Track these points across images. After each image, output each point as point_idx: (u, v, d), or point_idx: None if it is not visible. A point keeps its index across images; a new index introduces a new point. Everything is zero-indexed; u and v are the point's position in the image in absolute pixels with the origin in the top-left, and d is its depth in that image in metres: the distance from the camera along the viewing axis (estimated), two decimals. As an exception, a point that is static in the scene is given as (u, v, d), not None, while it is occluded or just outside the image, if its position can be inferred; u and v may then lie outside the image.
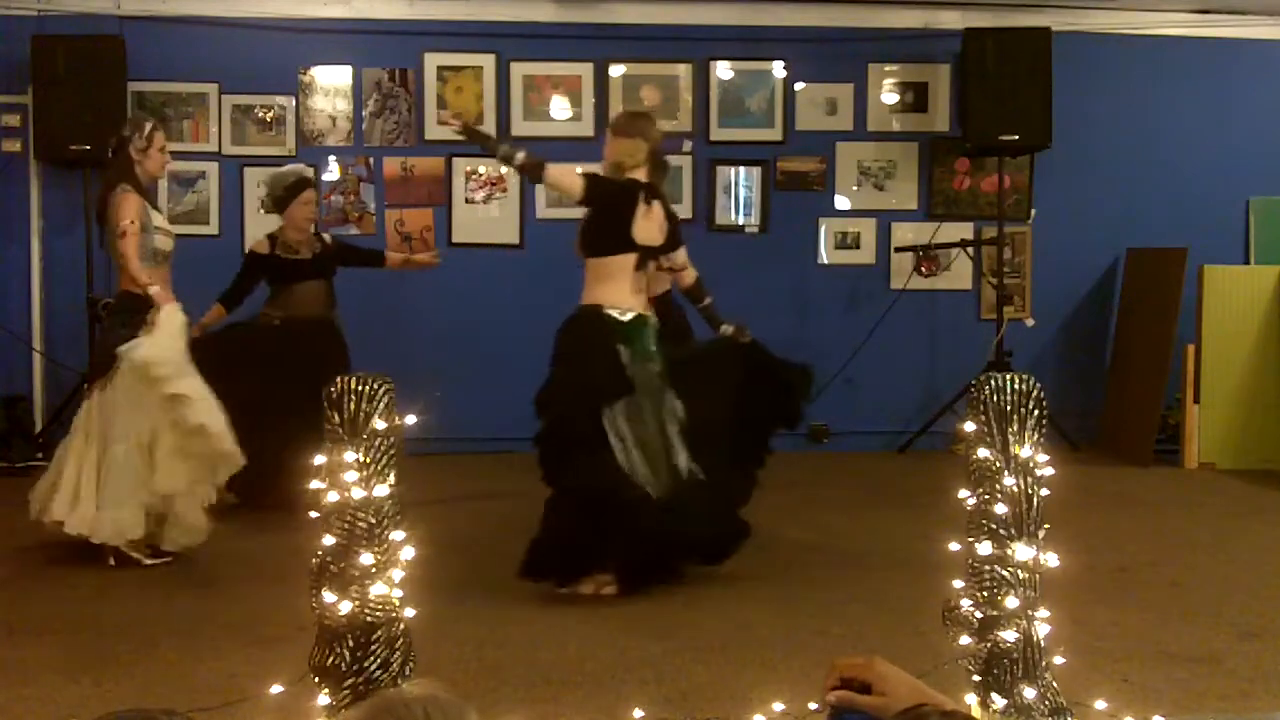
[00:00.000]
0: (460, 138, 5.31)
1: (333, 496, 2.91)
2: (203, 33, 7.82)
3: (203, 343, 5.83)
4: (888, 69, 8.32)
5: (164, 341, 5.14)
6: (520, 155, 4.84)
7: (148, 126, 5.49)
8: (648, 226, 4.83)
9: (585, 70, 8.13)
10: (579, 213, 5.09)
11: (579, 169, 5.01)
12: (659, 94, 8.20)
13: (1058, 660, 3.01)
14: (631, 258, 4.80)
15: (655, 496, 4.65)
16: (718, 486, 4.82)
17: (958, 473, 3.08)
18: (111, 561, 5.04)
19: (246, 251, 6.63)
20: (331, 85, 8.00)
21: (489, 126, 8.04)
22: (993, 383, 2.99)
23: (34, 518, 5.17)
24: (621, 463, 4.62)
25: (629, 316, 4.80)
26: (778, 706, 3.17)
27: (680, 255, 5.16)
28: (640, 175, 4.87)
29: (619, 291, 4.80)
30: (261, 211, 7.88)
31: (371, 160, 8.04)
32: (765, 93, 8.26)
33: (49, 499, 5.12)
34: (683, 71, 8.21)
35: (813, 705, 1.64)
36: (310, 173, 7.19)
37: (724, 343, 5.16)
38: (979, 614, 2.94)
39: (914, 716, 1.49)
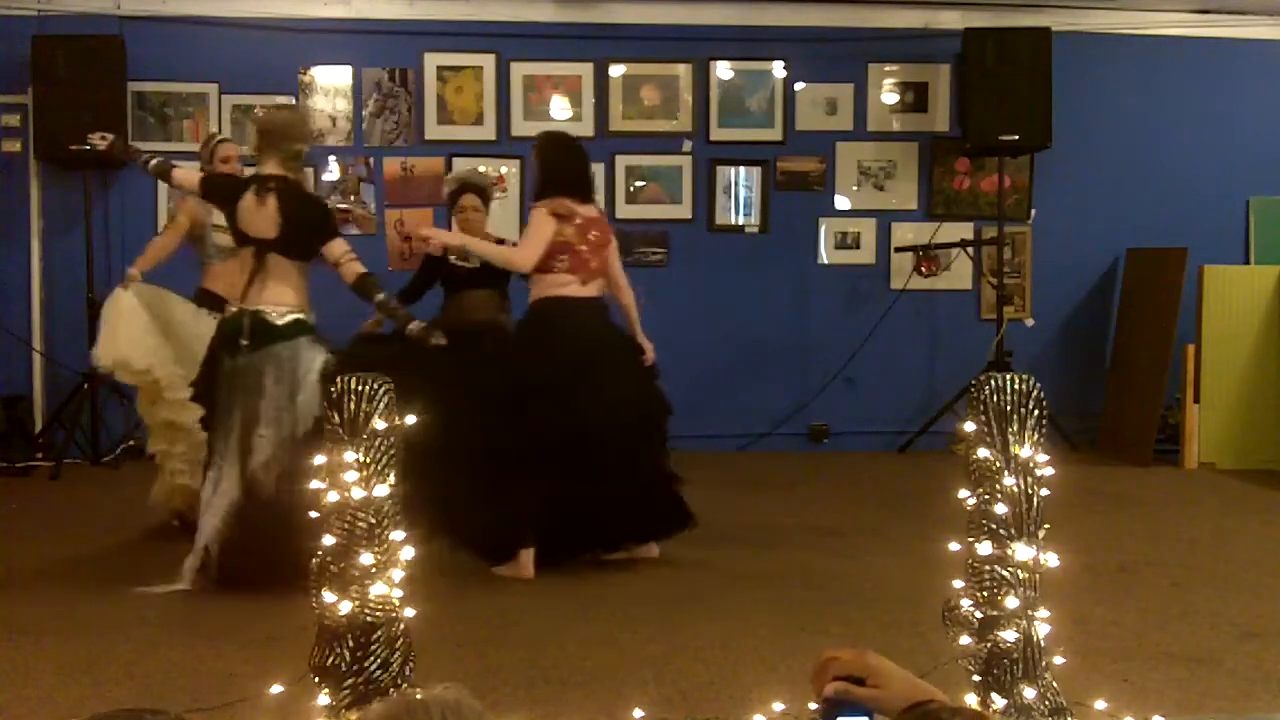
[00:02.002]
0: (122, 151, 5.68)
1: (333, 496, 2.92)
2: (203, 33, 7.82)
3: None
4: (888, 69, 8.32)
5: (116, 340, 5.46)
6: (153, 161, 5.23)
7: (213, 140, 5.98)
8: (255, 220, 4.78)
9: (585, 70, 8.13)
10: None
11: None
12: (659, 94, 8.20)
13: (1058, 660, 3.01)
14: (248, 251, 4.82)
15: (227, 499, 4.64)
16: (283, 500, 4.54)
17: (958, 473, 3.08)
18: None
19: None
20: (331, 85, 8.00)
21: (489, 127, 8.07)
22: (993, 383, 2.99)
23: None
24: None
25: (230, 313, 4.84)
26: (778, 706, 3.17)
27: (333, 248, 4.86)
28: (269, 169, 4.86)
29: (236, 288, 4.88)
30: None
31: (371, 160, 8.04)
32: (765, 93, 8.26)
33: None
34: (683, 71, 8.21)
35: (812, 706, 1.63)
36: (482, 177, 6.56)
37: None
38: (979, 614, 2.94)
39: (921, 714, 1.48)
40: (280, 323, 4.72)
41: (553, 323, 5.12)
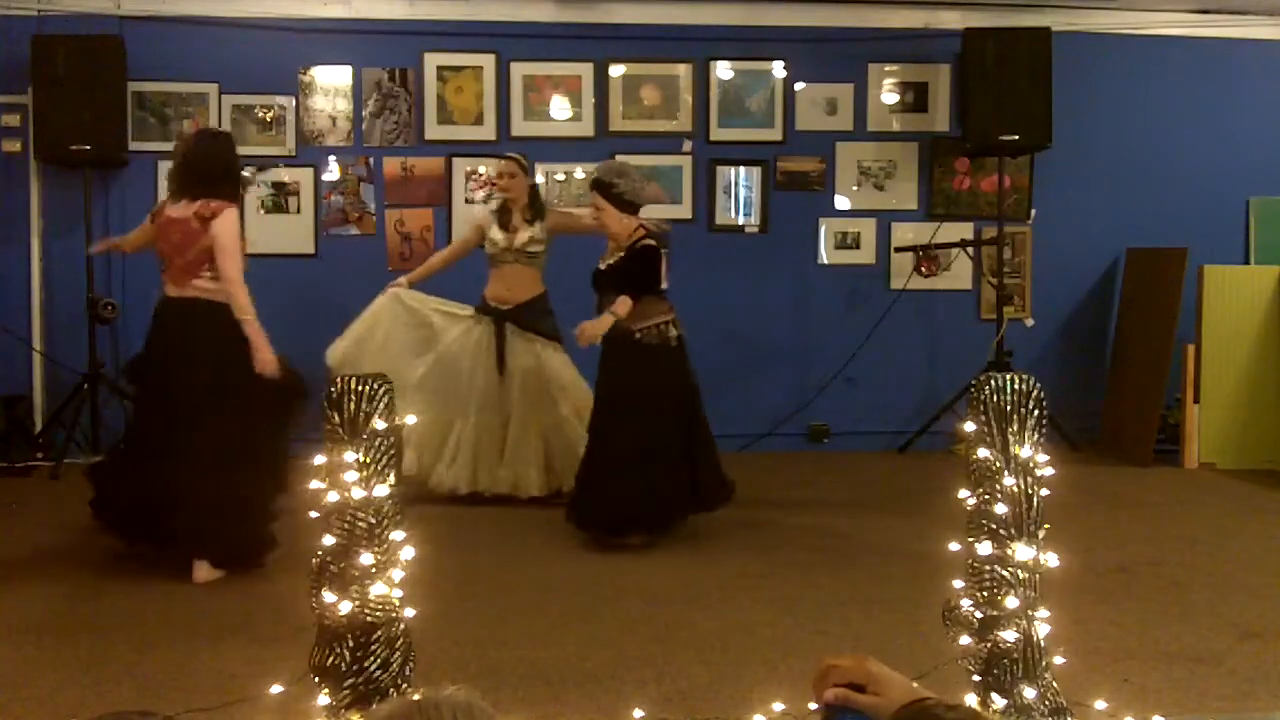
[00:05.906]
0: None
1: (333, 496, 2.91)
2: (203, 33, 7.82)
3: None
4: (888, 69, 8.32)
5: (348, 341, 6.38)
6: None
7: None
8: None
9: (585, 70, 8.13)
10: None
11: None
12: (659, 94, 8.20)
13: (1058, 660, 3.02)
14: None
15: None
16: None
17: (958, 473, 3.08)
18: None
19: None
20: (331, 85, 8.00)
21: (489, 127, 8.06)
22: (993, 383, 2.99)
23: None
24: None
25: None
26: (778, 706, 3.18)
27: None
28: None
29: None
30: (262, 212, 7.89)
31: (371, 160, 8.03)
32: (765, 93, 8.26)
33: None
34: (683, 71, 8.21)
35: (812, 706, 1.63)
36: (609, 172, 6.11)
37: None
38: (979, 614, 2.94)
39: (918, 710, 1.48)
40: None
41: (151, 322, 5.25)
